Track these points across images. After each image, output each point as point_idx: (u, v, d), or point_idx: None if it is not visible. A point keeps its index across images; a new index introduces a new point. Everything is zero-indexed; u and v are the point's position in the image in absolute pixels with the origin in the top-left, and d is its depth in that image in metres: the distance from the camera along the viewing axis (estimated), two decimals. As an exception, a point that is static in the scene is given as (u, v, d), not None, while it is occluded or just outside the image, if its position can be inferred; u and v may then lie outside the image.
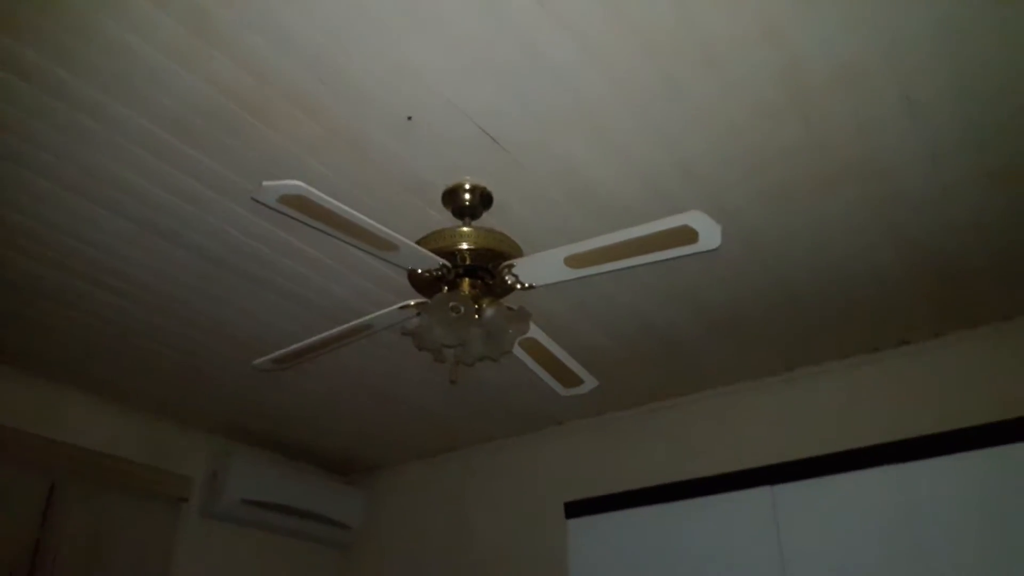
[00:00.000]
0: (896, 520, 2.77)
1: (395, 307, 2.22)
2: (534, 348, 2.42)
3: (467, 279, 2.17)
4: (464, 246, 2.13)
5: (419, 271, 2.16)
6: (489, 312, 2.09)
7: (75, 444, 3.37)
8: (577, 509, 3.58)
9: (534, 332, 2.33)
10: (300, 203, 1.78)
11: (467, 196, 2.19)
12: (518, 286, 2.19)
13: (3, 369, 3.23)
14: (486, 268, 2.17)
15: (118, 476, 3.48)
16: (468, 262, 2.14)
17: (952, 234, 2.37)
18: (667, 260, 1.99)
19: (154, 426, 3.73)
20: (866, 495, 2.87)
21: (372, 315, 2.26)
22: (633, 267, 2.03)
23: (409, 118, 1.95)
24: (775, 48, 1.75)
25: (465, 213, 2.23)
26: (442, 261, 2.10)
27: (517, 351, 2.40)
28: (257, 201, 1.78)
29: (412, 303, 2.20)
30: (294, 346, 2.39)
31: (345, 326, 2.31)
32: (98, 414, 3.52)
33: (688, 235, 1.88)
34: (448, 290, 2.17)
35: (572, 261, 2.04)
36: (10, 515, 3.11)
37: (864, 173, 2.13)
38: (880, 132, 1.99)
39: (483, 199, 2.21)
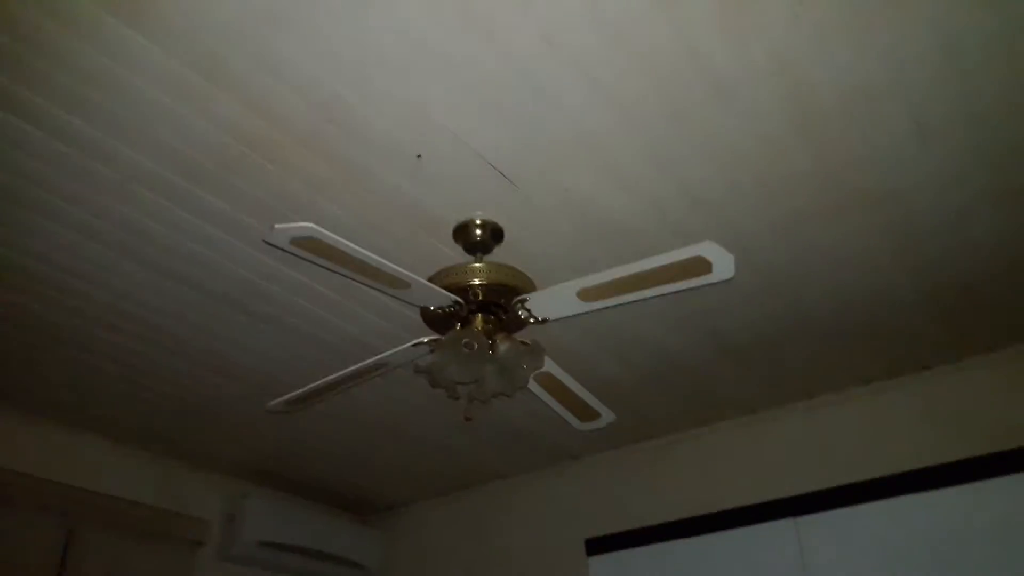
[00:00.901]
0: (923, 549, 2.71)
1: (408, 344, 2.21)
2: (549, 382, 2.40)
3: (480, 315, 2.16)
4: (476, 282, 2.12)
5: (432, 308, 2.16)
6: (503, 347, 2.08)
7: (91, 489, 3.35)
8: (598, 546, 3.52)
9: (549, 366, 2.32)
10: (312, 245, 1.78)
11: (478, 232, 2.19)
12: (531, 320, 2.17)
13: (19, 415, 3.23)
14: (499, 303, 2.16)
15: (134, 520, 3.46)
16: (481, 298, 2.13)
17: (966, 258, 2.35)
18: (681, 291, 1.97)
19: (169, 469, 3.71)
20: (892, 525, 2.81)
21: (386, 353, 2.25)
22: (647, 299, 2.02)
23: (419, 156, 1.96)
24: (783, 76, 1.75)
25: (477, 249, 2.22)
26: (454, 298, 2.09)
27: (532, 386, 2.38)
28: (269, 244, 1.78)
29: (425, 340, 2.19)
30: (307, 387, 2.38)
31: (359, 365, 2.29)
32: (113, 458, 3.51)
33: (702, 266, 1.87)
34: (461, 326, 2.16)
35: (585, 294, 2.03)
36: (29, 561, 3.09)
37: (875, 199, 2.11)
38: (890, 157, 1.98)
39: (494, 234, 2.21)
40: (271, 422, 3.32)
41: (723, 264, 1.85)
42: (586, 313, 2.11)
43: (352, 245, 1.80)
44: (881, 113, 1.85)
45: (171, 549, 3.57)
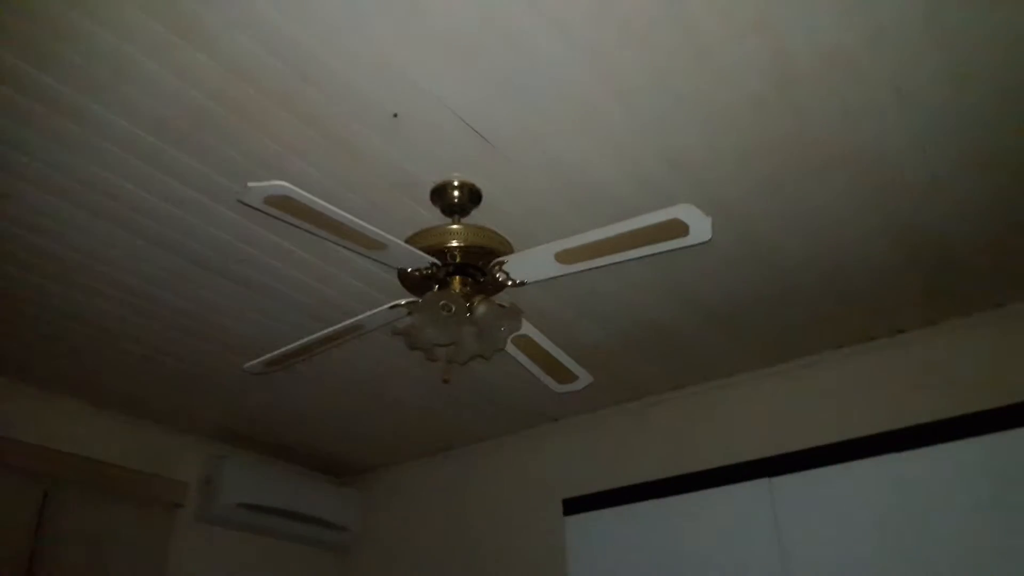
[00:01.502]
0: (894, 509, 2.77)
1: (386, 307, 2.21)
2: (527, 345, 2.41)
3: (458, 277, 2.15)
4: (454, 244, 2.11)
5: (409, 270, 2.15)
6: (481, 310, 2.08)
7: (68, 451, 3.34)
8: (575, 506, 3.56)
9: (526, 329, 2.32)
10: (286, 204, 1.76)
11: (456, 193, 2.17)
12: (509, 283, 2.17)
13: (-7, 378, 3.21)
14: (477, 266, 2.15)
15: (112, 483, 3.46)
16: (458, 260, 2.13)
17: (944, 222, 2.36)
18: (659, 254, 1.97)
19: (147, 432, 3.70)
20: (864, 485, 2.86)
21: (363, 315, 2.25)
22: (624, 261, 2.02)
23: (395, 115, 1.93)
24: (763, 38, 1.73)
25: (454, 211, 2.21)
26: (432, 259, 2.08)
27: (510, 348, 2.38)
28: (243, 203, 1.75)
29: (403, 302, 2.18)
30: (285, 348, 2.37)
31: (336, 327, 2.29)
32: (90, 421, 3.49)
33: (679, 228, 1.87)
34: (439, 288, 2.15)
35: (563, 257, 2.03)
36: (6, 523, 3.08)
37: (854, 162, 2.12)
38: (870, 121, 1.98)
39: (472, 196, 2.20)
40: (249, 385, 3.31)
41: (700, 227, 1.85)
42: (564, 276, 2.11)
43: (327, 205, 1.78)
44: (862, 75, 1.84)
45: (149, 511, 3.57)
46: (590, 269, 2.06)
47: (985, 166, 2.13)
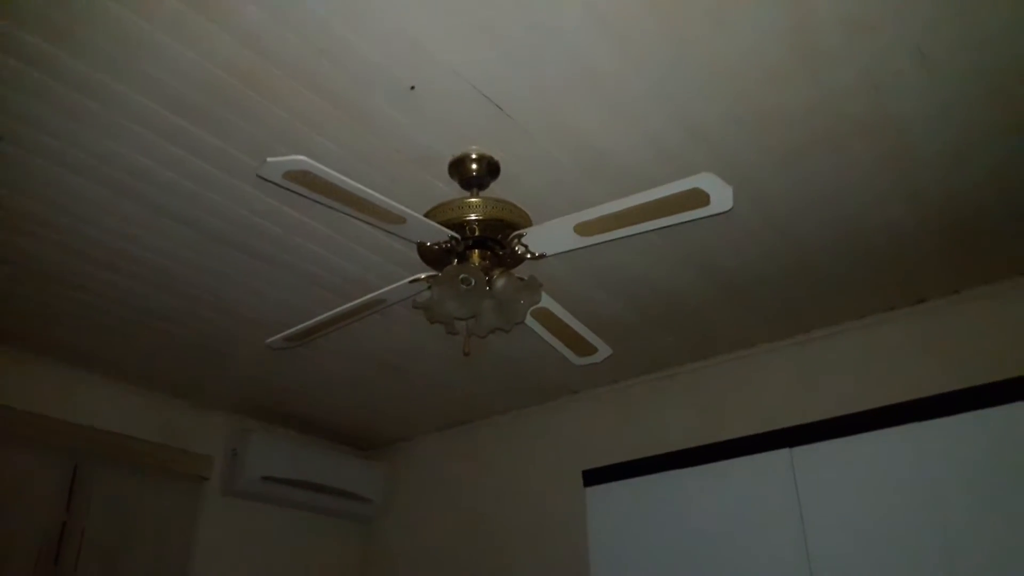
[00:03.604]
0: (915, 479, 2.76)
1: (406, 281, 2.21)
2: (546, 318, 2.41)
3: (477, 250, 2.15)
4: (472, 217, 2.11)
5: (428, 244, 2.15)
6: (500, 283, 2.08)
7: (96, 427, 3.40)
8: (595, 477, 3.59)
9: (546, 302, 2.32)
10: (305, 178, 1.76)
11: (474, 166, 2.17)
12: (528, 256, 2.17)
13: (22, 355, 3.25)
14: (495, 239, 2.15)
15: (139, 457, 3.52)
16: (477, 233, 2.12)
17: (967, 189, 2.33)
18: (678, 224, 1.96)
19: (172, 407, 3.75)
20: (885, 455, 2.85)
21: (383, 290, 2.26)
22: (644, 233, 2.01)
23: (412, 88, 1.93)
24: (784, 5, 1.71)
25: (473, 184, 2.20)
26: (451, 233, 2.09)
27: (529, 321, 2.38)
28: (262, 178, 1.76)
29: (423, 276, 2.19)
30: (306, 323, 2.39)
31: (356, 301, 2.30)
32: (116, 397, 3.54)
33: (699, 198, 1.85)
34: (458, 262, 2.15)
35: (582, 229, 2.02)
36: (36, 498, 3.15)
37: (877, 130, 2.09)
38: (892, 88, 1.95)
39: (490, 169, 2.19)
40: (272, 359, 3.34)
41: (721, 196, 1.84)
42: (583, 248, 2.10)
43: (346, 179, 1.78)
44: (883, 41, 1.81)
45: (176, 485, 3.64)
46: (609, 241, 2.05)
47: (1010, 131, 2.10)
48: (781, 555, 2.95)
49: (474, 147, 2.14)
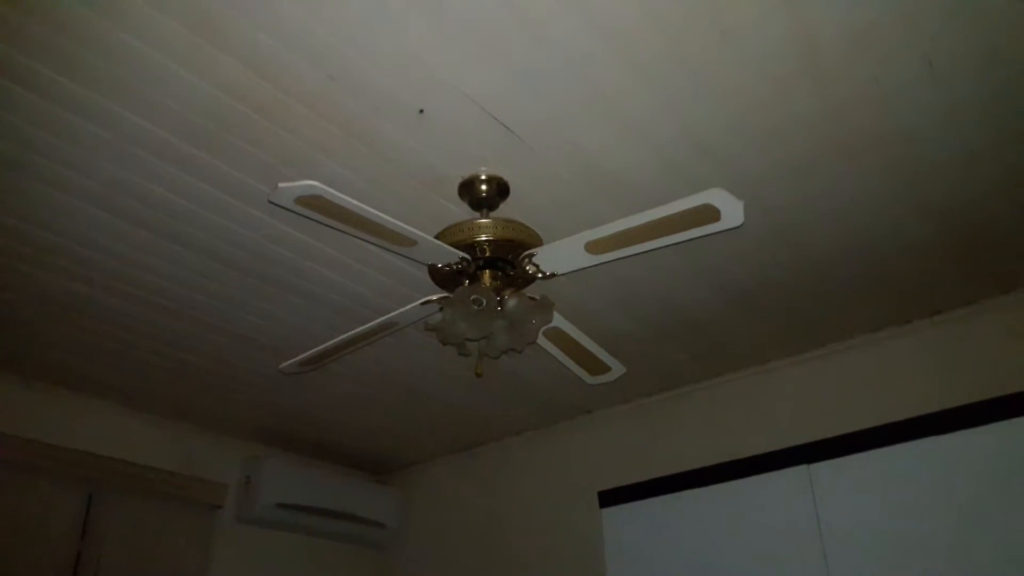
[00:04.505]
0: (934, 493, 2.72)
1: (417, 303, 2.21)
2: (559, 337, 2.40)
3: (488, 271, 2.15)
4: (483, 238, 2.11)
5: (439, 266, 2.15)
6: (511, 303, 2.07)
7: (111, 456, 3.40)
8: (611, 498, 3.55)
9: (558, 321, 2.31)
10: (317, 203, 1.77)
11: (483, 187, 2.18)
12: (539, 275, 2.17)
13: (36, 384, 3.27)
14: (506, 259, 2.15)
15: (153, 486, 3.51)
16: (488, 254, 2.12)
17: (979, 199, 2.32)
18: (690, 240, 1.96)
19: (185, 434, 3.75)
20: (905, 470, 2.82)
21: (395, 312, 2.26)
22: (655, 250, 2.00)
23: (421, 111, 1.94)
24: (790, 17, 1.71)
25: (482, 205, 2.21)
26: (461, 254, 2.09)
27: (542, 341, 2.38)
28: (274, 203, 1.77)
29: (434, 298, 2.19)
30: (319, 347, 2.39)
31: (368, 325, 2.30)
32: (130, 425, 3.55)
33: (710, 214, 1.85)
34: (469, 283, 2.15)
35: (593, 247, 2.02)
36: (51, 528, 3.15)
37: (886, 141, 2.08)
38: (901, 98, 1.94)
39: (500, 189, 2.19)
40: (285, 385, 3.34)
41: (732, 211, 1.83)
42: (594, 266, 2.10)
43: (357, 203, 1.79)
44: (891, 51, 1.81)
45: (190, 513, 3.63)
46: (621, 259, 2.04)
47: (1020, 141, 2.09)
48: (802, 574, 2.91)
49: (483, 168, 2.15)
